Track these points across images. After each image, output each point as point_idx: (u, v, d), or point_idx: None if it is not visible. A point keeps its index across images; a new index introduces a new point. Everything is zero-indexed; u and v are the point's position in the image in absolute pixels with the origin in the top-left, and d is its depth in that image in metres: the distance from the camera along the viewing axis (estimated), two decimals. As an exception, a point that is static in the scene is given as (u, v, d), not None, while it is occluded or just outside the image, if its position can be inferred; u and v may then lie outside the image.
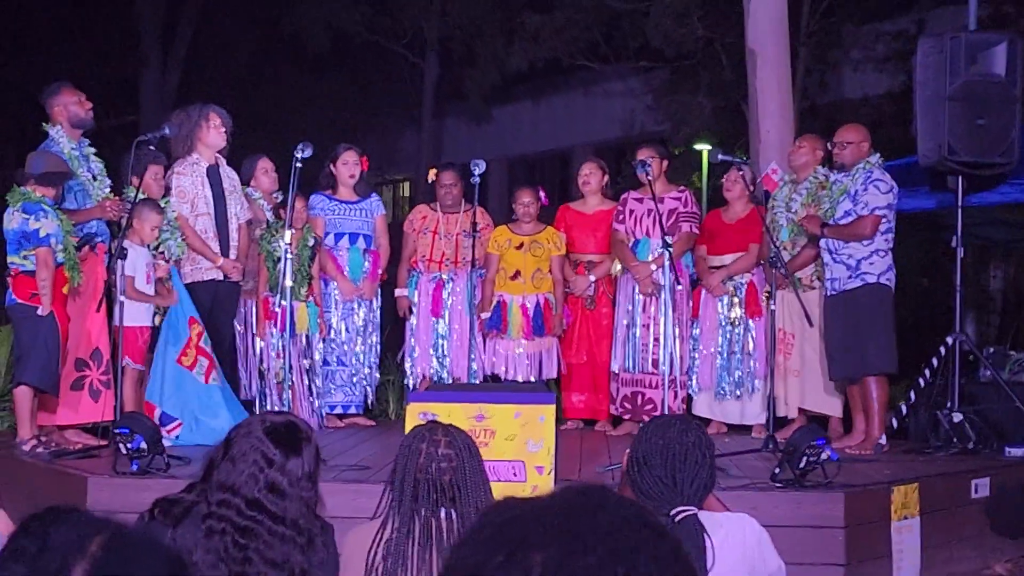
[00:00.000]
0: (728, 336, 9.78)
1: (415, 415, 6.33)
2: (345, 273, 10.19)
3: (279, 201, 10.04)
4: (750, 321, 9.68)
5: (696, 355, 9.93)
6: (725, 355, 9.79)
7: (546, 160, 37.47)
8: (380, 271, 10.43)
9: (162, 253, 9.05)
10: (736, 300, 9.73)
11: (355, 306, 10.26)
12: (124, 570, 1.69)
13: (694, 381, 9.97)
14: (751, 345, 9.69)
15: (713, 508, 4.06)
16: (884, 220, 8.75)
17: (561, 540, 1.47)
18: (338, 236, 10.23)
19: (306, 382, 9.77)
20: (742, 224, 9.75)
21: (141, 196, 8.65)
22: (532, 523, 1.51)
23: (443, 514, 3.96)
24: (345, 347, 10.23)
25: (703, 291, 9.89)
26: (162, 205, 8.99)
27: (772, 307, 8.76)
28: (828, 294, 8.96)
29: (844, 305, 8.83)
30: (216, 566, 3.57)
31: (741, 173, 9.57)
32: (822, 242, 8.95)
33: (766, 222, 9.48)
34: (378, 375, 10.64)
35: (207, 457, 3.88)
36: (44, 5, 26.78)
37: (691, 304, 9.94)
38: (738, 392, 9.74)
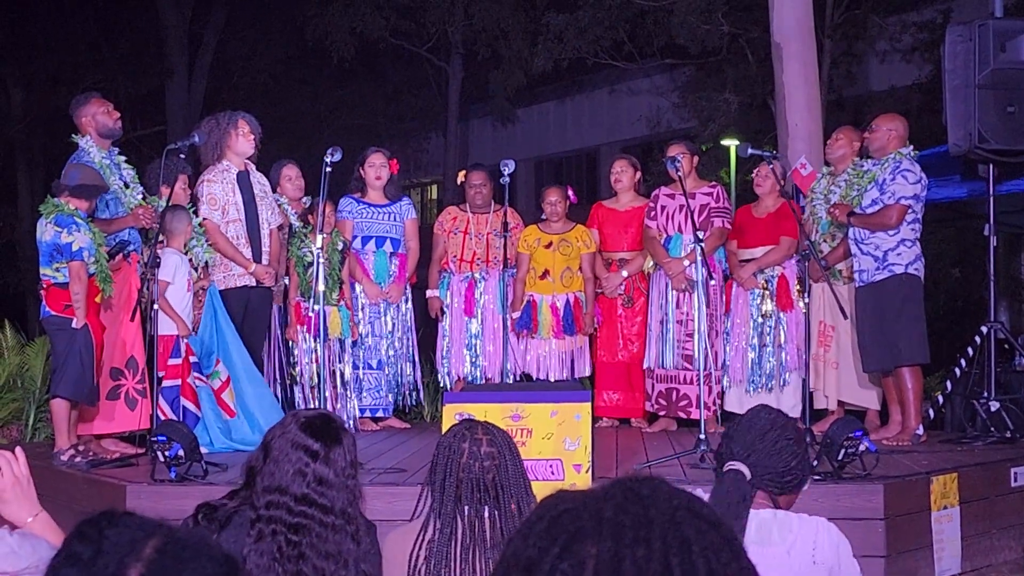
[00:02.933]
0: (760, 329, 9.74)
1: (452, 416, 6.33)
2: (371, 276, 10.19)
3: (307, 207, 10.06)
4: (781, 314, 9.64)
5: (728, 349, 9.89)
6: (757, 348, 9.75)
7: (573, 160, 37.53)
8: (408, 274, 10.43)
9: (191, 260, 9.08)
10: (767, 293, 9.69)
11: (382, 309, 10.26)
12: (179, 573, 1.70)
13: (725, 376, 9.94)
14: (783, 337, 9.65)
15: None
16: (910, 210, 8.71)
17: (615, 532, 1.47)
18: (365, 239, 10.23)
19: (339, 386, 9.78)
20: (772, 218, 9.73)
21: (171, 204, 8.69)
22: (587, 515, 1.51)
23: (486, 513, 3.95)
24: (374, 351, 10.23)
25: (734, 285, 9.86)
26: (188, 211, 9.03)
27: (806, 300, 8.75)
28: (857, 286, 8.93)
29: (873, 297, 8.80)
30: (270, 568, 3.58)
31: (772, 167, 9.55)
32: (849, 232, 8.93)
33: (804, 214, 9.48)
34: (417, 376, 10.61)
35: (247, 464, 3.89)
36: (71, 18, 26.96)
37: (724, 299, 9.91)
38: (770, 385, 9.71)
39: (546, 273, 10.15)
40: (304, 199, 10.25)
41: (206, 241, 9.16)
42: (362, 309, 10.17)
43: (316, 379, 9.24)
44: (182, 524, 3.77)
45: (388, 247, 10.24)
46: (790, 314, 9.60)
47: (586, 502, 1.53)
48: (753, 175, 10.08)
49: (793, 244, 9.53)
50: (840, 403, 9.53)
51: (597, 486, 1.58)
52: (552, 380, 10.02)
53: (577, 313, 10.11)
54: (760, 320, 9.73)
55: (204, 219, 9.18)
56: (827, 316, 9.44)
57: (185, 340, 8.72)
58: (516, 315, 10.12)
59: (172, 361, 8.63)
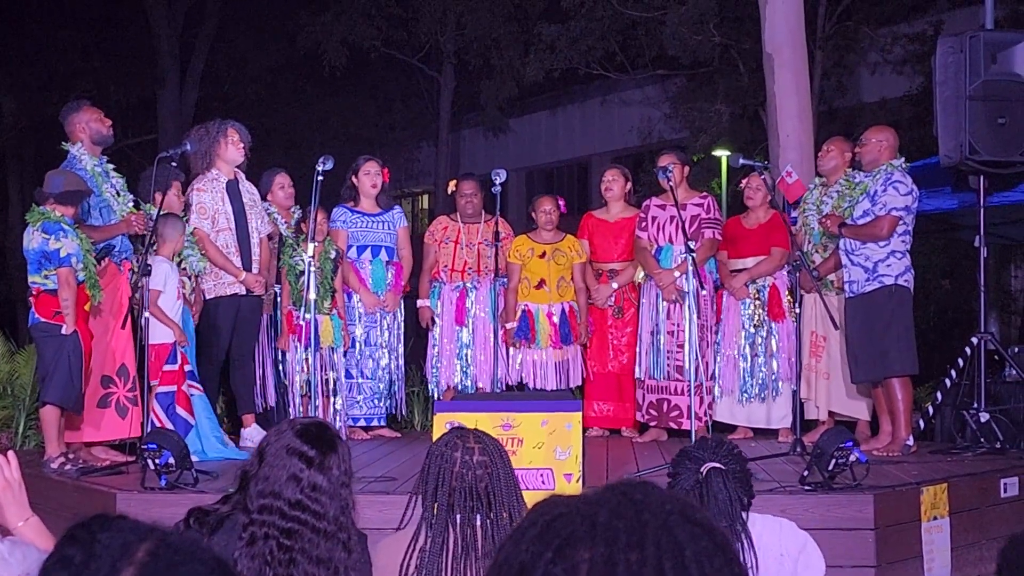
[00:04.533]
0: (751, 339, 9.75)
1: (442, 425, 6.31)
2: (368, 286, 10.18)
3: (297, 217, 10.04)
4: (773, 324, 9.66)
5: (719, 359, 9.89)
6: (748, 358, 9.76)
7: (564, 170, 37.58)
8: (403, 283, 10.42)
9: (184, 269, 9.07)
10: (759, 303, 9.70)
11: (378, 318, 10.24)
12: (172, 576, 1.69)
13: (716, 386, 9.93)
14: (774, 348, 9.66)
15: None
16: (901, 222, 8.71)
17: (609, 536, 1.47)
18: (361, 249, 10.21)
19: (330, 395, 9.75)
20: (763, 229, 9.74)
21: (163, 212, 8.67)
22: (580, 519, 1.51)
23: (478, 522, 3.94)
24: (370, 360, 10.21)
25: (725, 295, 9.87)
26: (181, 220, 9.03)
27: (797, 310, 8.76)
28: (847, 296, 8.93)
29: (863, 308, 8.80)
30: (261, 572, 3.58)
31: (764, 178, 9.56)
32: (840, 243, 8.94)
33: (796, 225, 9.50)
34: (403, 387, 10.60)
35: (241, 469, 3.88)
36: (63, 26, 26.94)
37: (715, 309, 9.91)
38: (762, 395, 9.72)
39: (542, 283, 10.13)
40: (293, 209, 10.21)
41: (199, 250, 9.16)
42: (359, 318, 10.16)
43: (306, 388, 9.23)
44: (173, 528, 3.77)
45: (384, 256, 10.22)
46: (781, 324, 9.61)
47: (579, 507, 1.53)
48: (743, 186, 10.08)
49: (784, 255, 9.54)
50: (831, 413, 9.53)
51: (590, 491, 1.57)
52: (548, 390, 10.01)
53: (572, 322, 10.11)
54: (751, 330, 9.74)
55: (194, 228, 9.17)
56: (819, 326, 9.44)
57: (182, 348, 8.72)
58: (511, 325, 10.11)
59: (168, 367, 8.62)
